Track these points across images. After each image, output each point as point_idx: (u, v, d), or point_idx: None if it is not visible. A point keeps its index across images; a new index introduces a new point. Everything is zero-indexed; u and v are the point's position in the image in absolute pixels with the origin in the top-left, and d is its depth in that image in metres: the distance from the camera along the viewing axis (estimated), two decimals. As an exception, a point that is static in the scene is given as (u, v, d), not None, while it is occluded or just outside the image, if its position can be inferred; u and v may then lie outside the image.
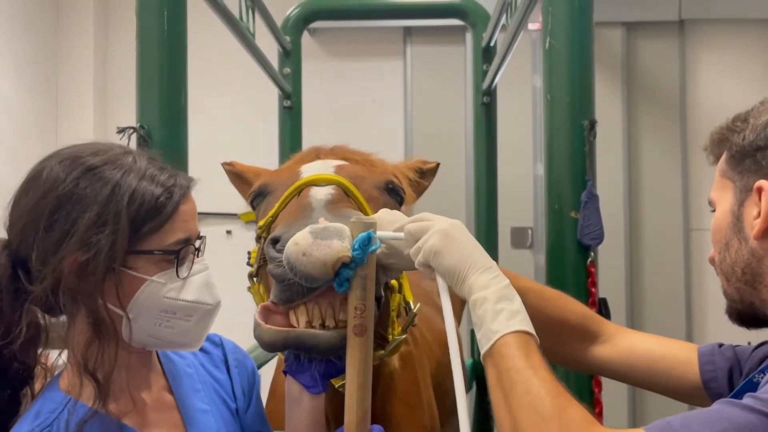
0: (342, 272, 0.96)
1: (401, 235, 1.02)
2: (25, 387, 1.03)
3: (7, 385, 1.02)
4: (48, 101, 4.76)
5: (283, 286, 1.02)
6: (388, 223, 1.05)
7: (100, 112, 4.91)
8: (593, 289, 1.72)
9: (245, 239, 4.74)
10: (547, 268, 1.82)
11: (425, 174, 1.58)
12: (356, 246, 0.96)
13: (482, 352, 0.93)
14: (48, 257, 0.97)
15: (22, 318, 1.00)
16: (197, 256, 1.07)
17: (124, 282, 0.99)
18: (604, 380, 1.72)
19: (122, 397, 1.03)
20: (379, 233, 1.01)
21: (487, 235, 3.24)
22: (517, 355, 0.90)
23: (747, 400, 0.80)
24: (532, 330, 0.93)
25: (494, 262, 1.00)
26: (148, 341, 1.04)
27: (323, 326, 1.03)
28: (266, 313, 1.07)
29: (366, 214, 1.17)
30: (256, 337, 1.05)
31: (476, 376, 2.92)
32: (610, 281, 4.18)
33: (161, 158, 1.11)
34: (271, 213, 1.20)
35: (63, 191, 0.98)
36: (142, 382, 1.08)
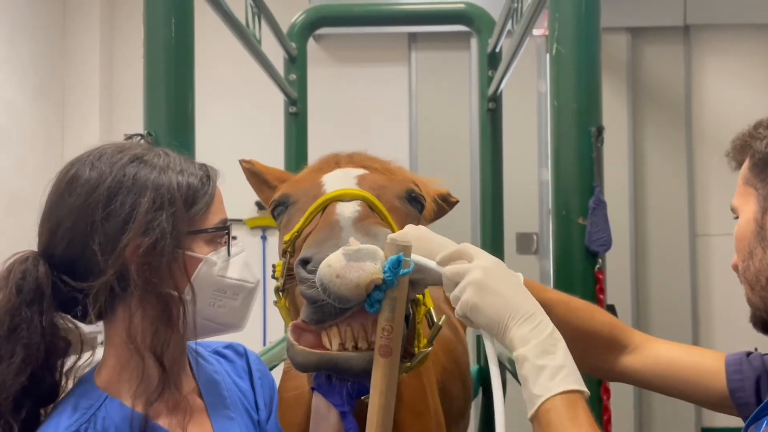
0: (373, 294, 0.97)
1: (432, 263, 1.01)
2: (49, 404, 1.02)
3: (36, 400, 1.01)
4: (54, 107, 4.78)
5: (315, 307, 1.02)
6: (415, 238, 1.04)
7: (106, 118, 4.93)
8: (601, 296, 1.71)
9: (251, 245, 4.74)
10: (554, 275, 1.81)
11: (446, 203, 1.58)
12: (386, 269, 0.96)
13: (528, 415, 0.90)
14: (110, 246, 0.97)
15: (59, 330, 1.00)
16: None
17: (184, 263, 1.01)
18: (612, 387, 1.71)
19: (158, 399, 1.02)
20: (413, 257, 1.00)
21: (493, 240, 3.24)
22: (562, 422, 0.85)
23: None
24: (577, 385, 0.88)
25: (537, 305, 0.96)
26: (201, 325, 1.05)
27: (356, 348, 1.03)
28: (298, 332, 1.06)
29: (390, 227, 1.16)
30: (290, 357, 1.05)
31: (482, 381, 2.92)
32: (615, 287, 4.17)
33: None
34: (296, 228, 1.19)
35: (113, 182, 1.00)
36: (178, 385, 1.07)
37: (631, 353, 1.23)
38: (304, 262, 1.04)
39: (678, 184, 4.75)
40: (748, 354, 1.18)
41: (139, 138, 1.71)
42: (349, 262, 0.95)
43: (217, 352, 1.22)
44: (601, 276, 1.72)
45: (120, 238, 0.97)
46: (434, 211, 1.51)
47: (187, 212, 1.02)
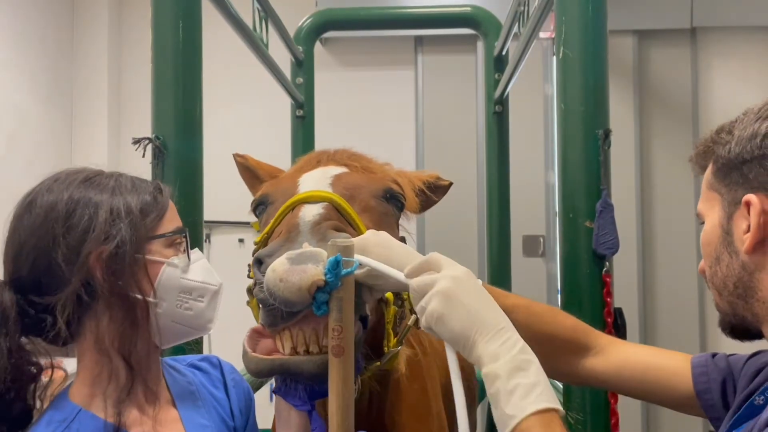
0: (318, 296, 0.97)
1: (385, 267, 0.99)
2: (23, 427, 1.05)
3: (9, 423, 1.04)
4: (63, 111, 4.81)
5: (267, 310, 1.04)
6: (374, 245, 1.03)
7: (114, 122, 4.96)
8: (609, 299, 1.70)
9: (257, 248, 4.74)
10: (561, 278, 1.81)
11: (437, 190, 1.56)
12: (327, 270, 0.96)
13: None
14: (73, 256, 1.02)
15: (28, 356, 1.04)
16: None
17: (147, 268, 1.06)
18: (620, 391, 1.71)
19: (132, 408, 1.07)
20: (361, 258, 1.00)
21: (500, 243, 3.24)
22: None
23: None
24: (552, 403, 0.84)
25: (506, 320, 0.92)
26: (171, 329, 1.10)
27: (307, 351, 1.04)
28: (255, 338, 1.09)
29: (358, 229, 1.17)
30: (244, 364, 1.07)
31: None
32: (623, 290, 4.16)
33: None
34: (266, 230, 1.22)
35: (69, 200, 1.05)
36: (151, 395, 1.11)
37: (596, 356, 1.22)
38: (259, 263, 1.07)
39: (685, 186, 4.74)
40: (714, 355, 1.18)
41: (146, 142, 1.73)
42: (291, 266, 0.97)
43: (192, 365, 1.26)
44: (608, 279, 1.71)
45: (82, 247, 1.02)
46: (420, 203, 1.49)
47: (145, 220, 1.08)
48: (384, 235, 1.07)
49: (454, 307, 0.91)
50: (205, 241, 4.38)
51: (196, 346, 1.71)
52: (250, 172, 1.61)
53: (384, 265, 1.00)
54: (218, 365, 1.28)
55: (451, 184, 1.60)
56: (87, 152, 4.84)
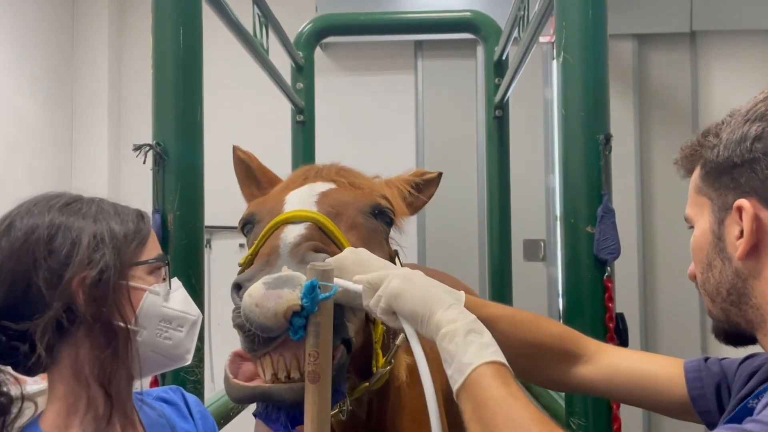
0: (294, 321, 0.96)
1: (359, 288, 1.00)
2: None
3: None
4: (63, 117, 4.81)
5: (245, 336, 1.03)
6: (352, 263, 1.03)
7: (115, 128, 4.96)
8: (610, 305, 1.70)
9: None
10: (563, 283, 1.81)
11: (425, 186, 1.54)
12: (303, 295, 0.95)
13: (455, 387, 0.90)
14: (55, 280, 1.00)
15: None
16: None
17: (129, 294, 1.05)
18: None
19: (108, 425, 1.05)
20: (336, 281, 1.00)
21: (500, 247, 3.23)
22: (495, 384, 0.85)
23: (748, 424, 0.76)
24: (505, 361, 0.89)
25: (459, 301, 0.98)
26: (150, 358, 1.08)
27: (288, 377, 1.03)
28: (237, 362, 1.08)
29: (342, 248, 1.16)
30: (226, 390, 1.06)
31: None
32: (624, 295, 4.15)
33: None
34: (250, 251, 1.20)
35: (51, 223, 1.03)
36: (127, 427, 1.11)
37: (585, 363, 1.20)
38: (238, 288, 1.05)
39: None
40: (706, 359, 1.16)
41: (147, 148, 1.73)
42: (267, 291, 0.95)
43: (159, 398, 1.26)
44: (609, 284, 1.71)
45: (65, 271, 1.00)
46: (408, 211, 1.46)
47: (128, 247, 1.07)
48: (362, 253, 1.06)
49: (411, 285, 0.97)
50: (206, 246, 4.37)
51: (197, 360, 1.70)
52: (247, 169, 1.60)
53: (350, 282, 1.00)
54: (183, 397, 1.28)
55: (440, 174, 1.57)
56: (87, 157, 4.85)
